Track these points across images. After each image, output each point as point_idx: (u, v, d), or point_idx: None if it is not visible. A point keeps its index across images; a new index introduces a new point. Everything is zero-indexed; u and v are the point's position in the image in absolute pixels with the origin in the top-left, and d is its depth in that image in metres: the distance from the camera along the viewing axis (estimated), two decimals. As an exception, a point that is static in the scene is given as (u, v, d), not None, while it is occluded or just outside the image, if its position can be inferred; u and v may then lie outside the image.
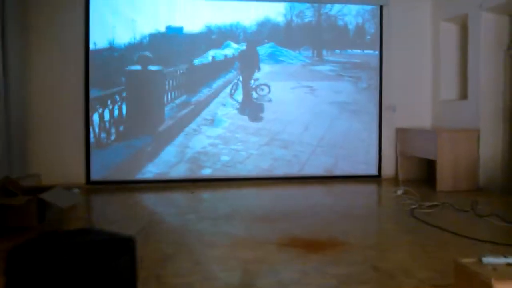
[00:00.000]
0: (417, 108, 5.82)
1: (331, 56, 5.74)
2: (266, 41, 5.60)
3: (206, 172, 5.48)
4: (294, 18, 5.64)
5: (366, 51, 5.79)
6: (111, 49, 5.34)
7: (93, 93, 5.30)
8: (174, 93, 5.47)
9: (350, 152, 5.75)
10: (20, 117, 4.93)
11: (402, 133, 5.69)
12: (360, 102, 5.78)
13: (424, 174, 5.70)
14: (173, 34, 5.45)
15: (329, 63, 5.74)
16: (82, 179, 5.28)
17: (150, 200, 4.79)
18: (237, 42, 5.56)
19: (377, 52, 5.77)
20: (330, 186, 5.31)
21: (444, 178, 4.88)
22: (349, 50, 5.76)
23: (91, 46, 5.28)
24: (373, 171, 5.78)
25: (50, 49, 5.23)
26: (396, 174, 5.72)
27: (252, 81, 5.59)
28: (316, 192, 5.02)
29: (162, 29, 5.42)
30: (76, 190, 4.63)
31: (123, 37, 5.36)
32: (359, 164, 5.76)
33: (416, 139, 5.41)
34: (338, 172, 5.69)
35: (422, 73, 5.85)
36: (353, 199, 4.66)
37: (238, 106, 5.57)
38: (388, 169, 5.78)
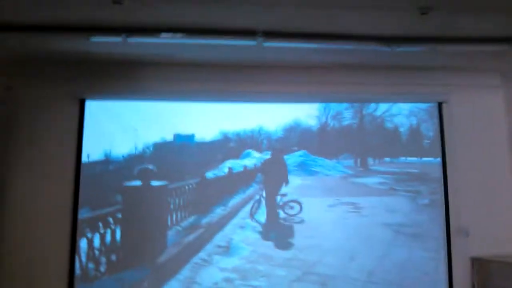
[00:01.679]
0: (498, 231, 5.69)
1: (380, 165, 5.92)
2: (295, 148, 5.91)
3: (218, 318, 5.13)
4: (329, 121, 5.96)
5: (424, 159, 5.92)
6: (107, 161, 5.68)
7: (82, 214, 5.50)
8: (180, 213, 5.66)
9: (412, 291, 5.30)
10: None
11: (480, 265, 5.47)
12: (421, 223, 5.74)
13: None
14: (182, 143, 5.82)
15: (378, 175, 5.91)
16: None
17: None
18: (260, 151, 5.87)
19: (439, 160, 5.85)
20: None
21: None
22: (402, 158, 5.93)
23: (84, 159, 5.62)
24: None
25: (34, 161, 5.62)
26: (477, 322, 5.35)
27: (279, 197, 5.77)
28: None
29: (169, 137, 5.81)
30: None
31: (121, 148, 5.74)
32: (425, 307, 5.34)
33: (501, 273, 5.24)
34: (396, 319, 5.35)
35: (500, 183, 5.85)
36: None
37: (260, 229, 5.67)
38: (465, 315, 5.23)
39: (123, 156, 5.87)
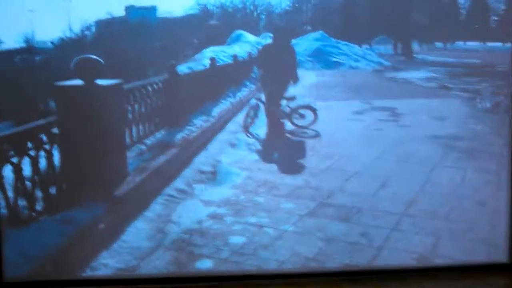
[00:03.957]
0: None
1: (428, 53, 5.84)
2: (308, 28, 5.66)
3: (204, 265, 5.35)
4: (359, -15, 5.91)
5: (490, 44, 5.82)
6: (30, 50, 5.36)
7: (1, 130, 5.24)
8: (144, 126, 5.51)
9: (462, 225, 5.65)
10: None
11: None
12: (479, 135, 5.79)
13: None
14: (140, 20, 5.48)
15: (425, 67, 5.81)
16: (-12, 280, 5.50)
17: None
18: (256, 32, 5.65)
19: (510, 45, 5.55)
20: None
21: None
22: (460, 43, 5.82)
23: None
24: (502, 256, 5.54)
25: None
26: (544, 261, 5.71)
27: (285, 102, 5.62)
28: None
29: (119, 11, 5.46)
30: None
31: (49, 30, 5.34)
32: (477, 244, 5.59)
33: None
34: (440, 260, 5.50)
35: None
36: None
37: (259, 147, 5.62)
38: (530, 253, 5.85)
39: (52, 42, 5.45)
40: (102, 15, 5.40)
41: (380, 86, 5.83)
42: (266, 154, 5.65)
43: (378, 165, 5.71)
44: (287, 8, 5.53)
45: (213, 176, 5.53)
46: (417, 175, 5.71)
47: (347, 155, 5.72)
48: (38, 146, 5.26)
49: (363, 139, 5.71)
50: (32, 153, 5.22)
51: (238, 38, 5.61)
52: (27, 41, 5.35)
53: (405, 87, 5.84)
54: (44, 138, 5.29)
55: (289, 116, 5.65)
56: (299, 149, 5.65)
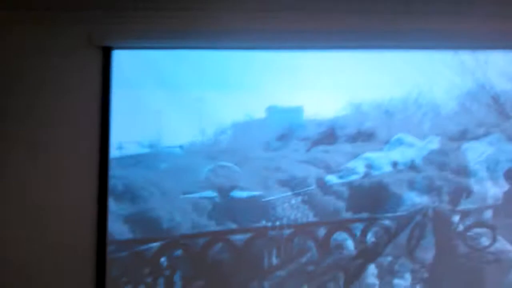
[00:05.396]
0: None
1: None
2: (483, 130, 5.37)
3: None
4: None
5: None
6: (155, 156, 5.29)
7: (112, 252, 5.14)
8: (286, 247, 5.22)
9: None
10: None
11: None
12: None
13: None
14: (282, 121, 5.40)
15: None
16: None
17: None
18: (421, 135, 5.37)
19: None
20: None
21: None
22: None
23: (114, 152, 5.22)
24: None
25: (29, 158, 5.21)
26: None
27: (457, 217, 5.25)
28: None
29: (259, 112, 5.37)
30: None
31: (178, 132, 5.32)
32: None
33: None
34: None
35: None
36: None
37: (426, 275, 5.19)
38: None
39: (181, 147, 5.35)
40: (239, 116, 5.31)
41: None
42: (434, 283, 5.18)
43: None
44: (455, 107, 5.23)
45: (365, 312, 5.23)
46: None
47: (537, 287, 5.24)
48: (157, 271, 5.11)
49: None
50: (149, 279, 5.09)
51: (398, 143, 5.32)
52: (151, 145, 5.25)
53: None
54: (165, 261, 5.16)
55: (463, 236, 5.27)
56: (476, 277, 5.17)
